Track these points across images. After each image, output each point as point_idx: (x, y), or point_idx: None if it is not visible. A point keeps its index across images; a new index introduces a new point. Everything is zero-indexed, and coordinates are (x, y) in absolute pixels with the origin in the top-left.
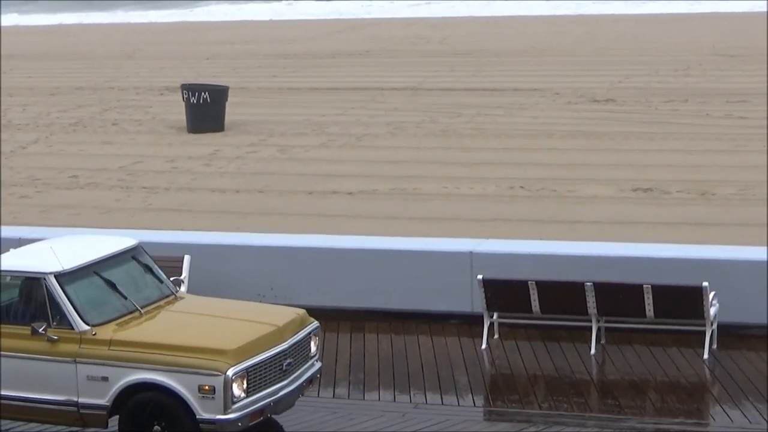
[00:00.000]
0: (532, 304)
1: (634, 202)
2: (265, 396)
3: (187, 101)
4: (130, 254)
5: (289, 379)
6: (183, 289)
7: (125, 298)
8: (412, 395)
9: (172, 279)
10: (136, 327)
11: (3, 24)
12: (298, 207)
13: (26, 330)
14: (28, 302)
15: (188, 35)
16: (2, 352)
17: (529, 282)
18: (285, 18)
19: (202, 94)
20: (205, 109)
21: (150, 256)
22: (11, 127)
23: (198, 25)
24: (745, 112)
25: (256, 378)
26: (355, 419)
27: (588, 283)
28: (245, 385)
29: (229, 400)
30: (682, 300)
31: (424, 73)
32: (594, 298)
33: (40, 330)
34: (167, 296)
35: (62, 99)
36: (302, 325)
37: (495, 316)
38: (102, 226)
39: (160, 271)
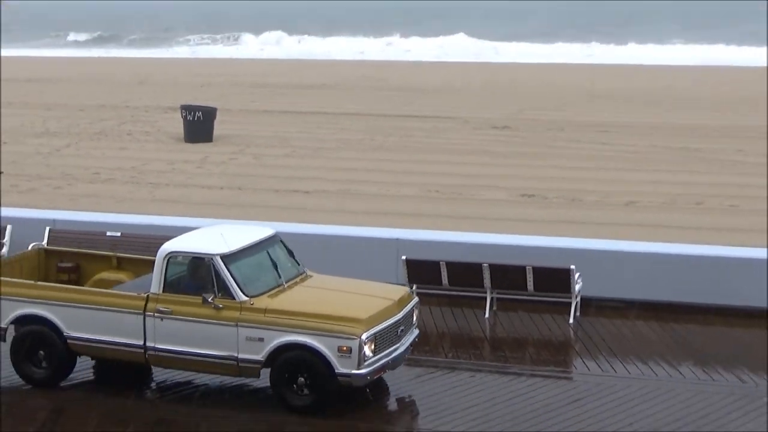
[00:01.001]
0: (443, 279)
1: (521, 204)
2: (385, 355)
3: (184, 118)
4: (271, 240)
5: (401, 342)
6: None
7: (272, 275)
8: None
9: None
10: (284, 298)
11: (40, 54)
12: (267, 201)
13: (197, 299)
14: (196, 277)
15: (186, 68)
16: (179, 317)
17: (441, 262)
18: (262, 57)
19: (197, 113)
20: (199, 125)
21: (284, 243)
22: (49, 134)
23: (194, 61)
24: (607, 140)
25: (380, 341)
26: None
27: (484, 264)
28: (373, 347)
29: (362, 359)
30: (554, 278)
31: (368, 102)
32: (489, 275)
33: (210, 300)
34: (300, 274)
35: (88, 114)
36: (409, 299)
37: (414, 288)
38: (118, 211)
39: (292, 254)
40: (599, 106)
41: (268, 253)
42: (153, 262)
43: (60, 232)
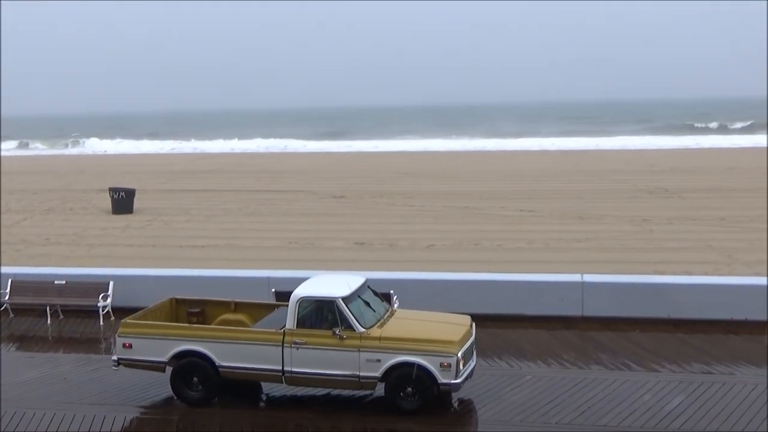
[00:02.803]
0: None
1: (354, 250)
2: (468, 367)
3: (112, 197)
4: (366, 284)
5: (473, 356)
6: None
7: (375, 311)
8: None
9: None
10: (388, 328)
11: (14, 153)
12: (174, 254)
13: (326, 333)
14: (321, 315)
15: (113, 160)
16: (311, 346)
17: None
18: (171, 152)
19: (121, 192)
20: (122, 201)
21: (372, 288)
22: (11, 211)
23: (118, 156)
24: (413, 203)
25: (466, 357)
26: None
27: None
28: (463, 361)
29: (458, 371)
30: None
31: (243, 182)
32: None
33: (337, 332)
34: (389, 309)
35: (40, 196)
36: (472, 324)
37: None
38: (65, 266)
39: (379, 295)
40: (406, 180)
41: (367, 294)
42: (262, 304)
43: (20, 282)
